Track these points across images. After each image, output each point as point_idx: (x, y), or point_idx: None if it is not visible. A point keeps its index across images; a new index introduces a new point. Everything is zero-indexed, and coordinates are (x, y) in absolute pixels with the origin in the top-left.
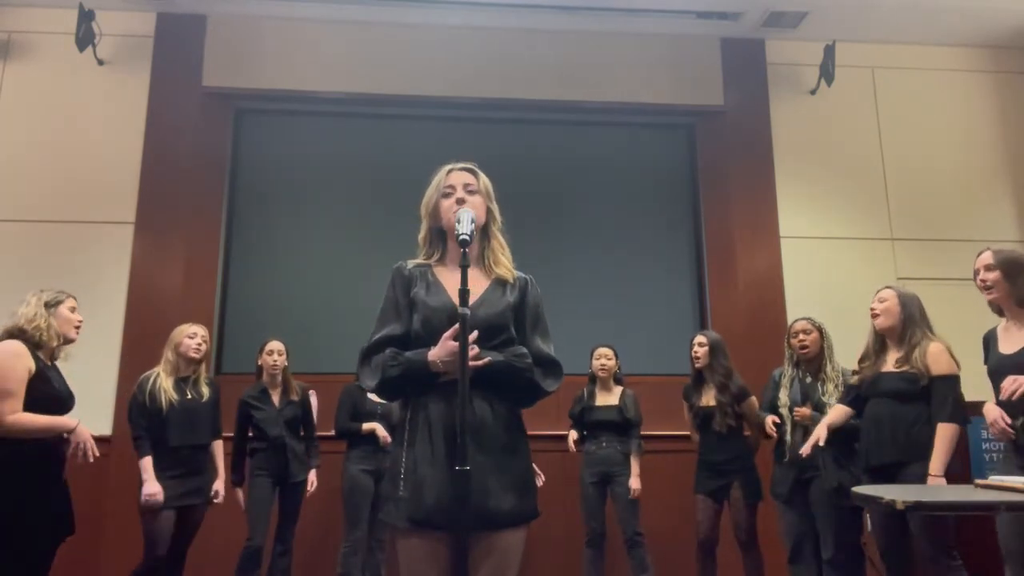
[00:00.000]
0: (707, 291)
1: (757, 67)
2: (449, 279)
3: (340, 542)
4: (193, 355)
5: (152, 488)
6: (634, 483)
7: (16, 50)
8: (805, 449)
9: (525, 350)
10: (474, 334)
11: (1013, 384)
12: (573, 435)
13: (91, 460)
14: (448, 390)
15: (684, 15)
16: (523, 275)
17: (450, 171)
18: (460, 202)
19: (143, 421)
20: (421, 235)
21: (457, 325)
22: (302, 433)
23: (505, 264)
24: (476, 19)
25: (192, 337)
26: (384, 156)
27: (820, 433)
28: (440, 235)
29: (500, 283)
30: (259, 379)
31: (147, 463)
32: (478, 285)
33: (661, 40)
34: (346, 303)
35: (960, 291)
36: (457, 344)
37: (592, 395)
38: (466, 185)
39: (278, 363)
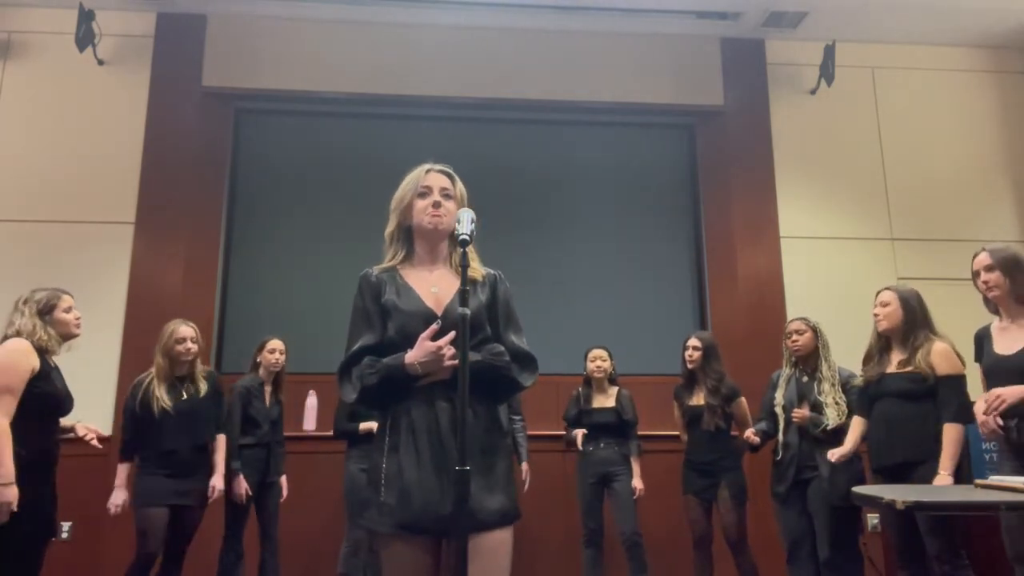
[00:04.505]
0: (707, 291)
1: (757, 67)
2: (417, 281)
3: (340, 542)
4: (186, 359)
5: (118, 498)
6: (637, 483)
7: (16, 50)
8: (837, 456)
9: (502, 348)
10: (450, 335)
11: (995, 401)
12: (580, 432)
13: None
14: (428, 393)
15: (684, 15)
16: (491, 271)
17: (428, 171)
18: (436, 205)
19: (131, 426)
20: (388, 231)
21: (434, 325)
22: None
23: (473, 266)
24: (476, 19)
25: (181, 342)
26: (384, 156)
27: (849, 443)
28: (407, 234)
29: (471, 283)
30: (254, 374)
31: (121, 469)
32: (450, 285)
33: (661, 40)
34: (346, 303)
35: (960, 291)
36: (435, 344)
37: (588, 398)
38: (442, 188)
39: (279, 362)
